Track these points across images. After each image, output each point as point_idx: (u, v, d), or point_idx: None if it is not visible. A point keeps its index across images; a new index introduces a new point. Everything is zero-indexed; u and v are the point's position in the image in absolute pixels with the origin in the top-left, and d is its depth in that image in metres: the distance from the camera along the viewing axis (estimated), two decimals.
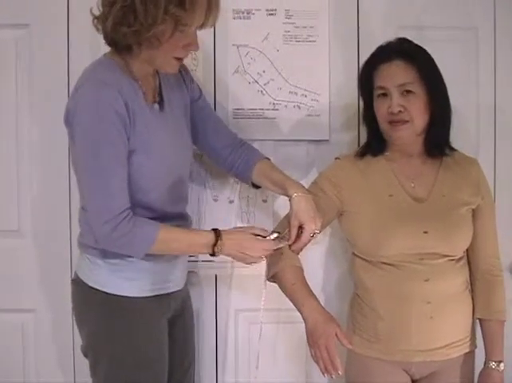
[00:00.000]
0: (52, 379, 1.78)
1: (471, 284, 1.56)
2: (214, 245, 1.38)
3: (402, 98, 1.47)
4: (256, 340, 1.73)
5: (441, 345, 1.48)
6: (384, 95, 1.50)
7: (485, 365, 1.54)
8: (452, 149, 1.57)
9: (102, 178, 1.30)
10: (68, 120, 1.34)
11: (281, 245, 1.44)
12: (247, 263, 1.42)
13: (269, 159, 1.56)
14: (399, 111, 1.47)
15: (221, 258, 1.43)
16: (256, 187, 1.57)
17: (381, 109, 1.50)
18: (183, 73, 1.54)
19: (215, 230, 1.40)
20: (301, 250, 1.48)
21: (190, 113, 1.55)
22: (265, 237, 1.42)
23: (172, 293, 1.48)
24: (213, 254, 1.39)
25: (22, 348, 1.77)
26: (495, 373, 1.52)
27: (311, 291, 1.44)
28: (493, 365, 1.52)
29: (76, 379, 1.78)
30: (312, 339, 1.38)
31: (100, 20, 1.32)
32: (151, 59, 1.36)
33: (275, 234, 1.43)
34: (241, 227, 1.51)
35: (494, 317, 1.54)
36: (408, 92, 1.47)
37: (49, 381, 1.78)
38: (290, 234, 1.43)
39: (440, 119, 1.51)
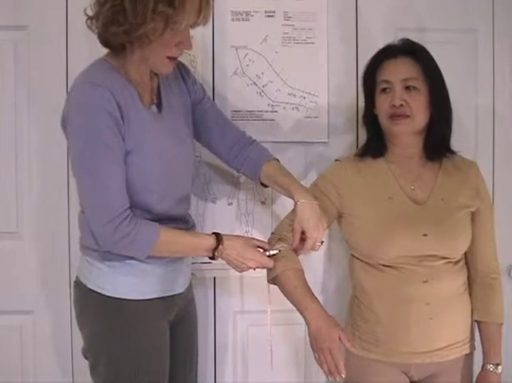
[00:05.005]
0: (50, 380, 1.77)
1: (469, 286, 1.56)
2: (215, 249, 1.38)
3: (405, 93, 1.48)
4: (254, 342, 1.74)
5: (440, 347, 1.48)
6: (387, 89, 1.50)
7: (483, 367, 1.55)
8: (453, 152, 1.57)
9: (98, 179, 1.30)
10: (64, 123, 1.34)
11: (282, 248, 1.44)
12: (238, 270, 1.43)
13: (276, 160, 1.54)
14: (401, 104, 1.48)
15: (220, 260, 1.43)
16: (265, 186, 1.56)
17: (383, 104, 1.51)
18: (185, 75, 1.53)
19: (217, 235, 1.40)
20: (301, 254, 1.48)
21: (193, 115, 1.54)
22: (265, 250, 1.43)
23: (174, 296, 1.47)
24: (212, 258, 1.40)
25: (21, 350, 1.77)
26: (493, 376, 1.53)
27: (313, 294, 1.43)
28: (491, 367, 1.53)
29: (74, 380, 1.77)
30: (316, 343, 1.37)
31: (94, 20, 1.32)
32: (144, 59, 1.35)
33: (275, 251, 1.44)
34: (243, 236, 1.50)
35: (491, 319, 1.54)
36: (411, 87, 1.48)
37: (47, 382, 1.77)
38: (293, 238, 1.43)
39: (441, 119, 1.52)
